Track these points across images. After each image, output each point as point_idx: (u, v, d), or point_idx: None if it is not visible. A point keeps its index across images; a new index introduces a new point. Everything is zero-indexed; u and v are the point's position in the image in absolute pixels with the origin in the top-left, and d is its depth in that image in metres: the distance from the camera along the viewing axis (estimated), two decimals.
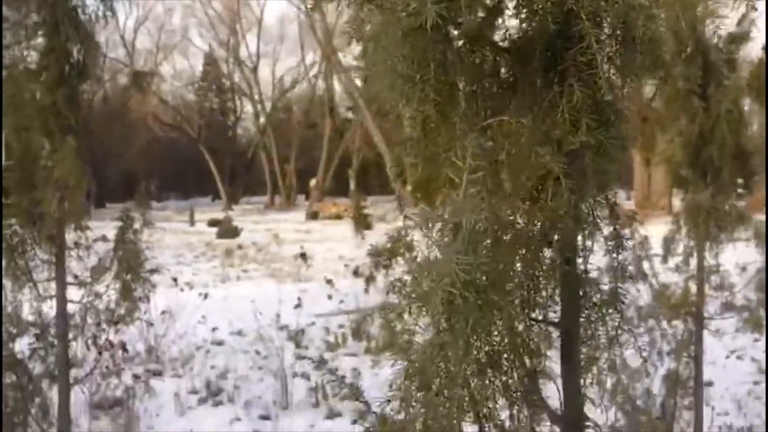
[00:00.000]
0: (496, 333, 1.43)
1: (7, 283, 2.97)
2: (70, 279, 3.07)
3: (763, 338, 5.07)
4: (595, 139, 1.36)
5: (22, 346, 3.04)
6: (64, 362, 3.06)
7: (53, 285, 3.03)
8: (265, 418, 6.35)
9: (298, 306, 9.64)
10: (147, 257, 3.21)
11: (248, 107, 55.49)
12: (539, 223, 1.36)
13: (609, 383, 1.67)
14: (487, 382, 1.51)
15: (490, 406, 1.59)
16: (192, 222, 32.60)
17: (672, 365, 4.03)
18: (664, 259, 4.11)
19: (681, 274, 4.22)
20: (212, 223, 29.55)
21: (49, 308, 3.05)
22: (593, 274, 1.57)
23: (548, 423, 1.70)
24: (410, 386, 1.47)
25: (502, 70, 1.44)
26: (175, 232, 27.96)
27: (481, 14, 1.49)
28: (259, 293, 11.43)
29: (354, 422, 1.69)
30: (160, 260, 18.96)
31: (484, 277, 1.30)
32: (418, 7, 1.31)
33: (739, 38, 4.07)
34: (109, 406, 6.64)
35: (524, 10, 1.48)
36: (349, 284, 11.74)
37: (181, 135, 53.33)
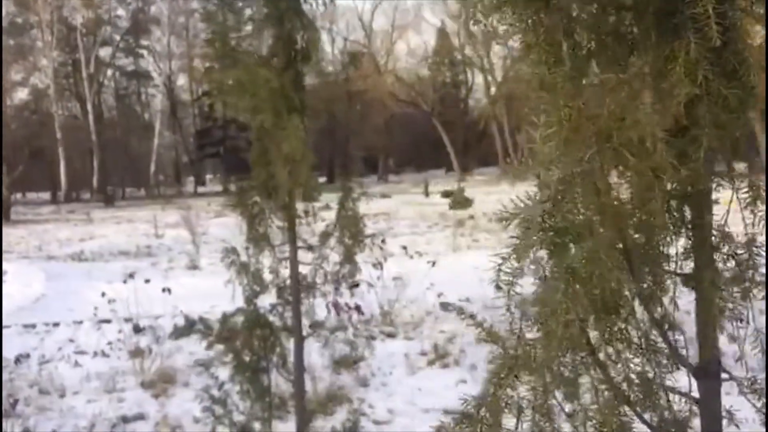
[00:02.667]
0: (609, 282, 1.42)
1: (249, 248, 3.41)
2: (300, 243, 3.43)
3: None
4: (713, 90, 1.28)
5: (263, 301, 3.48)
6: (298, 317, 3.45)
7: (287, 248, 3.42)
8: None
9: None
10: (365, 223, 3.49)
11: (479, 79, 55.69)
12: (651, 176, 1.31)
13: (744, 336, 1.56)
14: (604, 327, 1.51)
15: (609, 351, 1.59)
16: (427, 193, 33.74)
17: None
18: None
19: None
20: (445, 194, 30.31)
21: (284, 269, 3.44)
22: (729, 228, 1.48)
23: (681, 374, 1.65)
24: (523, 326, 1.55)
25: (622, 27, 1.39)
26: (411, 203, 29.16)
27: None
28: (486, 262, 11.58)
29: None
30: (396, 230, 19.82)
31: (575, 227, 1.32)
32: None
33: None
34: (349, 364, 7.24)
35: None
36: None
37: (416, 110, 55.13)
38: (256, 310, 3.43)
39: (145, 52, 57.40)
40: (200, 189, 54.82)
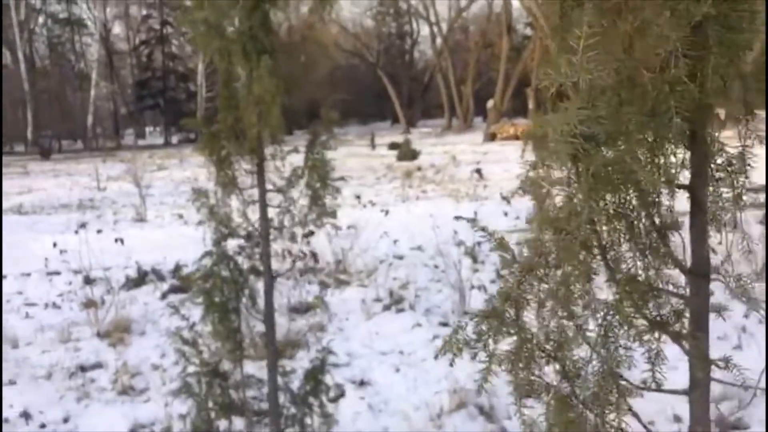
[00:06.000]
0: (621, 187, 1.55)
1: (218, 191, 3.43)
2: (269, 186, 3.47)
3: None
4: (721, 12, 1.42)
5: (231, 244, 3.52)
6: (267, 259, 3.50)
7: (255, 192, 3.45)
8: (444, 324, 6.71)
9: (473, 220, 9.89)
10: (333, 167, 3.54)
11: (425, 30, 55.35)
12: (667, 90, 1.44)
13: (732, 238, 1.75)
14: (613, 229, 1.66)
15: (617, 250, 1.75)
16: (373, 146, 33.75)
17: None
18: None
19: None
20: (392, 146, 30.39)
21: (252, 212, 3.49)
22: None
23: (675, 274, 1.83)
24: (544, 229, 1.68)
25: None
26: (358, 155, 29.17)
27: None
28: (437, 211, 11.78)
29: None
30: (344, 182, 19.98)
31: (602, 134, 1.44)
32: None
33: None
34: (304, 310, 7.35)
35: None
36: (526, 203, 11.77)
37: (360, 61, 54.60)
38: (225, 252, 3.47)
39: None
40: (140, 142, 53.56)
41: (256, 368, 3.88)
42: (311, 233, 4.25)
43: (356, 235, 9.34)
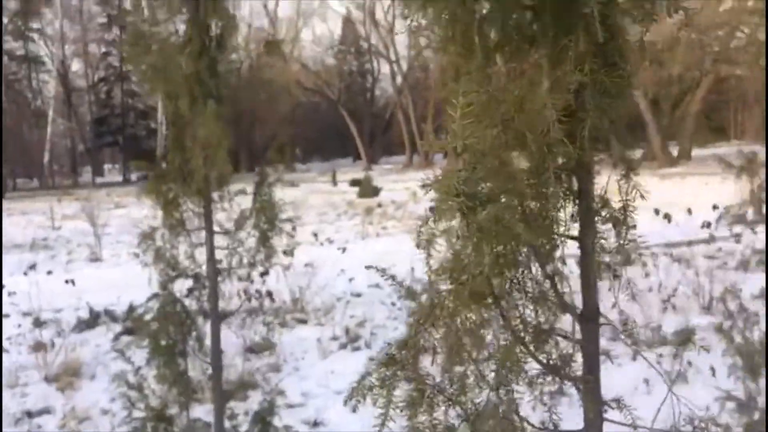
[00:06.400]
0: (510, 240, 1.65)
1: (165, 233, 3.42)
2: (216, 228, 3.47)
3: None
4: (597, 79, 1.54)
5: (180, 286, 3.50)
6: (215, 301, 3.49)
7: (203, 234, 3.45)
8: None
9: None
10: (282, 208, 3.56)
11: (385, 68, 56.04)
12: (546, 151, 1.56)
13: (618, 286, 1.87)
14: (504, 279, 1.75)
15: (509, 301, 1.84)
16: (335, 182, 33.84)
17: None
18: None
19: None
20: (354, 183, 30.50)
21: (200, 254, 3.48)
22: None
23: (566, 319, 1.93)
24: (439, 280, 1.77)
25: (524, 24, 1.63)
26: (319, 192, 29.20)
27: None
28: (396, 248, 11.81)
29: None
30: (305, 219, 19.88)
31: (484, 193, 1.54)
32: None
33: None
34: (260, 350, 7.28)
35: None
36: None
37: (322, 99, 54.96)
38: (172, 294, 3.45)
39: (36, 35, 54.56)
40: (98, 179, 52.84)
41: (204, 412, 3.83)
42: (266, 273, 4.24)
43: (313, 273, 9.33)
